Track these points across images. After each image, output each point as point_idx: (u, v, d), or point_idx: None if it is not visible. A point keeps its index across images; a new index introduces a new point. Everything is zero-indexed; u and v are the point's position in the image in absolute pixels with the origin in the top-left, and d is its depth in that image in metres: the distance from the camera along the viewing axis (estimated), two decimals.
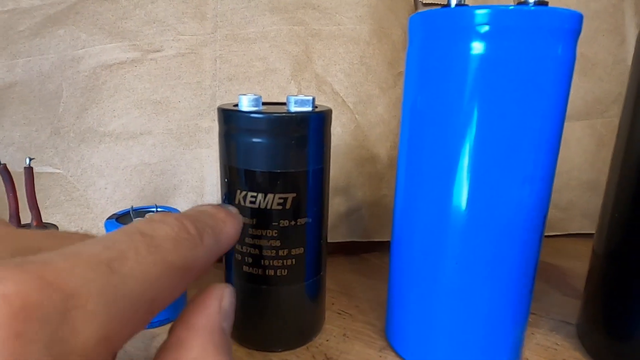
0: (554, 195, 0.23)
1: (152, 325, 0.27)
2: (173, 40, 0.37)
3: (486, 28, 0.19)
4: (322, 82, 0.38)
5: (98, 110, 0.37)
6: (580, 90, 0.41)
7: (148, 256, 0.11)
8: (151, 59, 0.37)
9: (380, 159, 0.39)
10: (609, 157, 0.26)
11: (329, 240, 0.28)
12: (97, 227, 0.37)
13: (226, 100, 0.37)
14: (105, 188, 0.37)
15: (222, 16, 0.38)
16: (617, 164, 0.25)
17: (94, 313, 0.09)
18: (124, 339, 0.10)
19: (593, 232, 0.27)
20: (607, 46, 0.41)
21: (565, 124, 0.21)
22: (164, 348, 0.12)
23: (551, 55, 0.19)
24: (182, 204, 0.37)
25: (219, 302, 0.14)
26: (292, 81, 0.37)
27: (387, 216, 0.39)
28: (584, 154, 0.42)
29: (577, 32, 0.20)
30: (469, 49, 0.20)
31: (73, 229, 0.37)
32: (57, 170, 0.37)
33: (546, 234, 0.23)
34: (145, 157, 0.37)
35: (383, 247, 0.37)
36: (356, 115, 0.38)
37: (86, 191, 0.37)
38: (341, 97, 0.38)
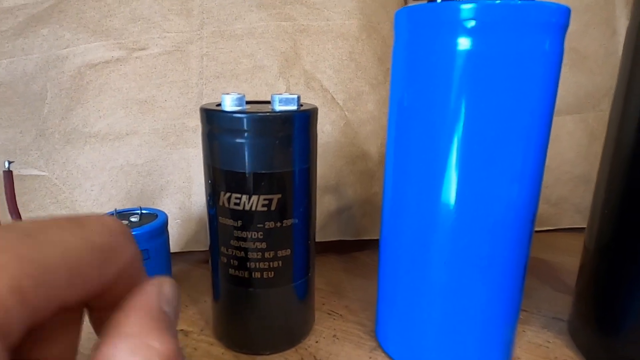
0: (545, 190, 0.23)
1: None
2: (159, 38, 0.36)
3: (472, 23, 0.19)
4: (310, 78, 0.37)
5: (83, 110, 0.36)
6: (571, 84, 0.41)
7: (70, 229, 0.13)
8: (136, 58, 0.36)
9: (370, 157, 0.38)
10: (601, 151, 0.25)
11: (319, 240, 0.27)
12: None
13: (213, 99, 0.37)
14: (92, 190, 0.36)
15: (209, 12, 0.37)
16: (607, 158, 0.25)
17: (5, 265, 0.11)
18: (40, 298, 0.11)
19: (585, 226, 0.27)
20: (598, 39, 0.41)
21: (557, 118, 0.21)
22: (102, 333, 0.13)
23: (539, 50, 0.19)
24: (170, 205, 0.36)
25: (158, 288, 0.14)
26: (281, 78, 0.37)
27: (378, 214, 0.38)
28: (575, 148, 0.42)
29: (565, 26, 0.20)
30: (455, 44, 0.19)
31: None
32: (42, 173, 0.36)
33: (537, 229, 0.23)
34: (131, 158, 0.36)
35: (375, 246, 0.37)
36: (346, 112, 0.37)
37: (72, 193, 0.36)
38: (330, 93, 0.37)
